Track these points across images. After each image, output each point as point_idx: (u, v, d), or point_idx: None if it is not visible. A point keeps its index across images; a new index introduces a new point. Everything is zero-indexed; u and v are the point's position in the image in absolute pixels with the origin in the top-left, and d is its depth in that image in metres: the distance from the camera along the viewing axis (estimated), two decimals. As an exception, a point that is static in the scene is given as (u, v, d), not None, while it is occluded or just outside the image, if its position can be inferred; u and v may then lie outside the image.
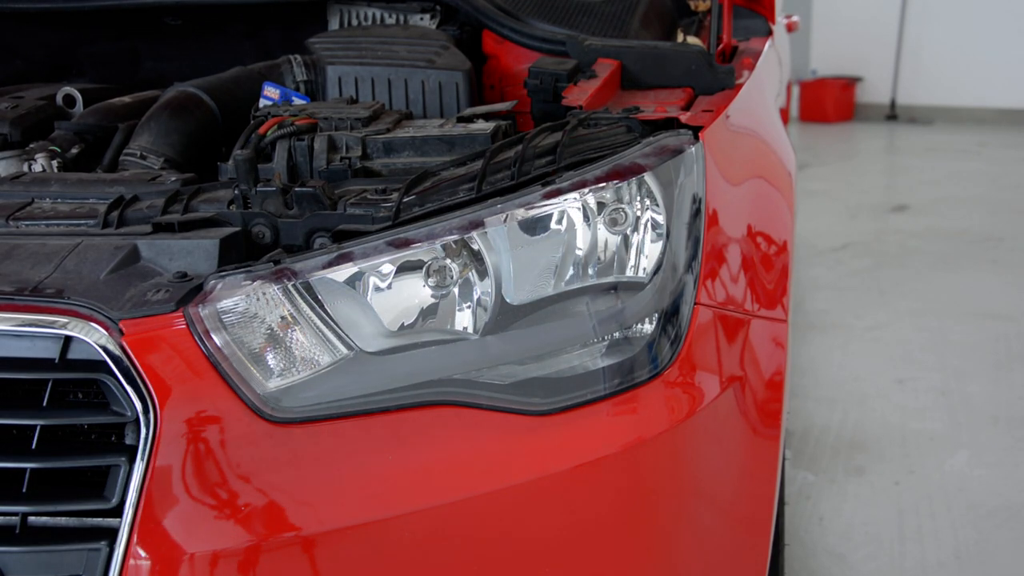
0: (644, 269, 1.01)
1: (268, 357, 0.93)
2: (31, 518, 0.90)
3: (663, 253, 1.02)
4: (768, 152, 1.53)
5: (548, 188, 1.00)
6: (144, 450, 0.89)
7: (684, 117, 1.18)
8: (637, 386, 0.96)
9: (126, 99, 1.59)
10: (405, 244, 0.97)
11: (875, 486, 2.26)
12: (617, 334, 0.98)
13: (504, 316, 0.97)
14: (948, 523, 2.10)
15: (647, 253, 1.02)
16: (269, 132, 1.27)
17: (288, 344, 0.94)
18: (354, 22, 1.79)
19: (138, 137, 1.40)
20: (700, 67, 1.42)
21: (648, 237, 1.02)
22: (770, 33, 2.15)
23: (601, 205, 1.01)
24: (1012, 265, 3.91)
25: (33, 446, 0.91)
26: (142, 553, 0.87)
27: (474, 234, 0.97)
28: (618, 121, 1.17)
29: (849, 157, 6.61)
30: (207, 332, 0.92)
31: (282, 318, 0.94)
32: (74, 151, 1.44)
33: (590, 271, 1.00)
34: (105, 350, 0.90)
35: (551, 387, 0.95)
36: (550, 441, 0.93)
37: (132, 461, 0.89)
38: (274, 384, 0.93)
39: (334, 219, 1.07)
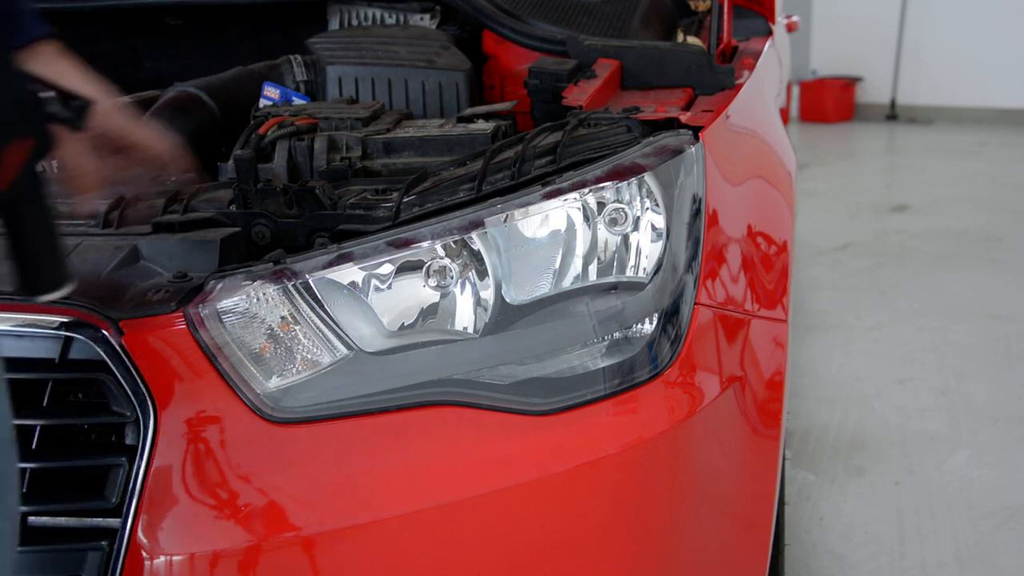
0: (644, 269, 1.01)
1: (268, 357, 0.93)
2: (31, 518, 0.90)
3: (663, 253, 1.02)
4: (768, 152, 1.53)
5: (548, 188, 1.00)
6: (144, 450, 0.89)
7: (684, 117, 1.18)
8: (637, 386, 0.96)
9: (126, 99, 1.59)
10: (405, 244, 0.97)
11: (875, 486, 2.26)
12: (617, 334, 0.98)
13: (504, 316, 0.97)
14: (948, 523, 2.10)
15: (647, 253, 1.02)
16: (269, 132, 1.28)
17: (288, 344, 0.94)
18: (354, 22, 1.79)
19: (138, 137, 1.40)
20: (700, 67, 1.42)
21: (648, 237, 1.02)
22: (770, 33, 2.15)
23: (601, 205, 1.01)
24: (1012, 265, 3.91)
25: (33, 446, 0.91)
26: (142, 553, 0.87)
27: (474, 234, 0.97)
28: (618, 121, 1.17)
29: (849, 157, 6.61)
30: (207, 332, 0.92)
31: (282, 318, 0.95)
32: (74, 151, 1.44)
33: (590, 271, 1.00)
34: (105, 350, 0.90)
35: (551, 387, 0.95)
36: (550, 441, 0.93)
37: (132, 461, 0.89)
38: (274, 384, 0.93)
39: (334, 219, 1.07)
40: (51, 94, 0.87)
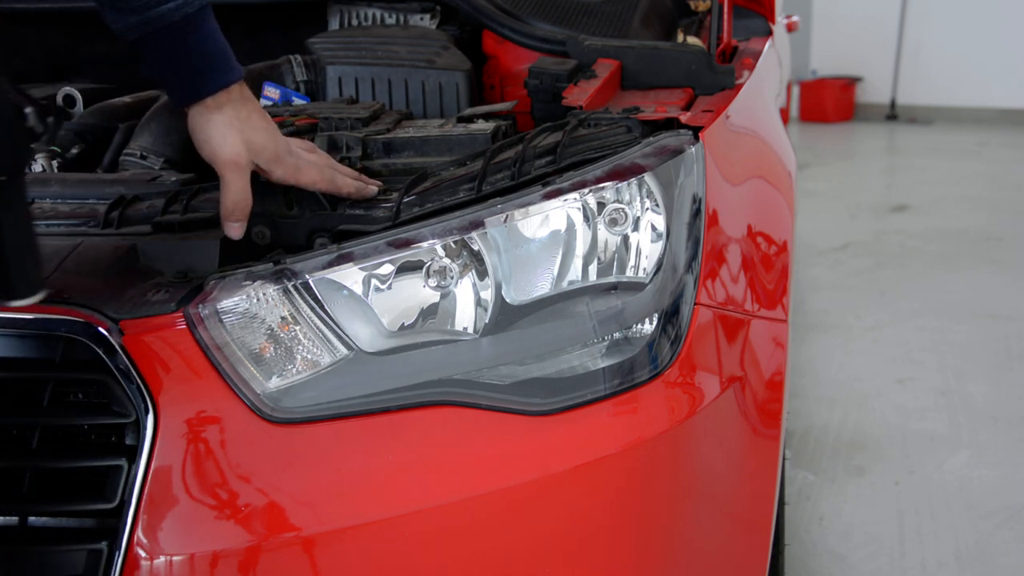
0: (644, 269, 1.01)
1: (268, 357, 0.93)
2: (31, 518, 0.90)
3: (663, 253, 1.02)
4: (768, 152, 1.53)
5: (548, 188, 1.00)
6: (144, 450, 0.89)
7: (684, 117, 1.18)
8: (637, 386, 0.96)
9: (126, 99, 1.58)
10: (405, 244, 0.97)
11: (875, 486, 2.26)
12: (617, 334, 0.98)
13: (504, 316, 0.97)
14: (948, 523, 2.10)
15: (647, 253, 1.02)
16: (269, 132, 1.27)
17: (288, 344, 0.94)
18: (354, 22, 1.79)
19: (138, 137, 1.39)
20: (700, 67, 1.42)
21: (648, 237, 1.02)
22: (770, 33, 2.15)
23: (601, 205, 1.01)
24: (1012, 265, 3.91)
25: (33, 446, 0.91)
26: (142, 553, 0.87)
27: (474, 234, 0.97)
28: (618, 121, 1.17)
29: (849, 157, 6.61)
30: (207, 332, 0.92)
31: (282, 318, 0.95)
32: (74, 151, 1.44)
33: (590, 271, 1.00)
34: (105, 350, 0.90)
35: (551, 387, 0.95)
36: (550, 441, 0.93)
37: (132, 461, 0.89)
38: (274, 384, 0.93)
39: (334, 219, 1.07)
40: (29, 108, 0.87)
